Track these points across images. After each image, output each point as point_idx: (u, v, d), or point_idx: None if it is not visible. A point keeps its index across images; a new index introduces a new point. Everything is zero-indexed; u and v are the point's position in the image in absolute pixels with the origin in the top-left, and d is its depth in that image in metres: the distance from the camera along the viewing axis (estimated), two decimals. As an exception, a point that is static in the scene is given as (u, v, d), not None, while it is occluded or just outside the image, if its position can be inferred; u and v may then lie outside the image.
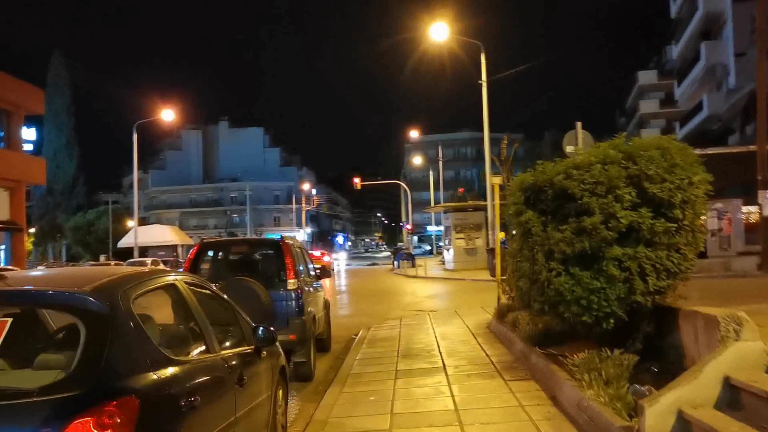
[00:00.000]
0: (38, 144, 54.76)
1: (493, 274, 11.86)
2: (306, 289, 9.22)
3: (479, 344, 9.93)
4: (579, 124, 11.44)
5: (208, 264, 9.23)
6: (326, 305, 11.24)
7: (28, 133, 50.39)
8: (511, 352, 9.00)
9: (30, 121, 45.09)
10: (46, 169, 64.06)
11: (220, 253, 9.45)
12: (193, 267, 8.70)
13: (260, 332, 5.02)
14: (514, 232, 8.24)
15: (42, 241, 53.55)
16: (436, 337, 11.11)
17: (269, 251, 9.30)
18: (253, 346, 4.96)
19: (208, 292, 4.85)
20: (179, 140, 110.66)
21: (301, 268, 9.36)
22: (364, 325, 14.49)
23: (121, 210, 59.13)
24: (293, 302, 8.52)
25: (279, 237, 9.03)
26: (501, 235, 35.12)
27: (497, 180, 12.31)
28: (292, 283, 8.55)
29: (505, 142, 36.76)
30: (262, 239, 11.30)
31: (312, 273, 10.62)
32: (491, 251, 11.44)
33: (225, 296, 5.09)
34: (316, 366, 9.20)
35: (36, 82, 38.46)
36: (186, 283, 4.36)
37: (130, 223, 52.85)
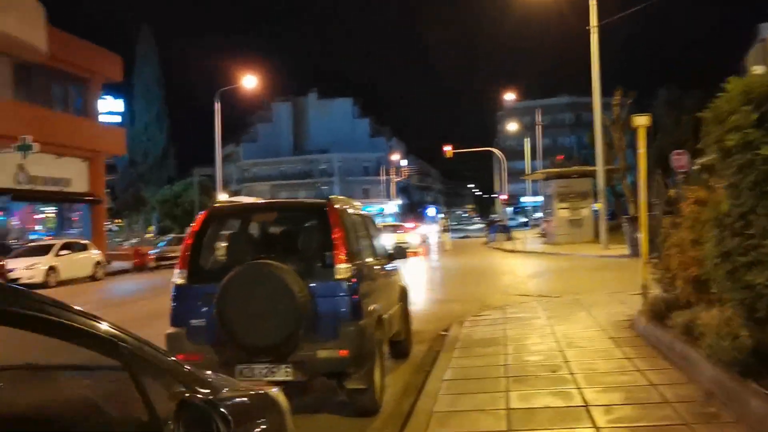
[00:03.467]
0: (126, 116, 54.35)
1: (635, 252, 8.35)
2: (368, 275, 6.20)
3: (630, 360, 6.60)
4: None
5: (220, 240, 6.33)
6: (403, 295, 8.19)
7: (116, 104, 49.95)
8: (691, 379, 5.65)
9: (118, 92, 44.30)
10: (138, 142, 64.53)
11: (237, 224, 6.52)
12: (197, 245, 5.83)
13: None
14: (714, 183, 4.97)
15: (128, 214, 53.33)
16: (557, 341, 7.85)
17: (309, 221, 6.30)
18: None
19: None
20: (270, 112, 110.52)
21: (360, 245, 6.33)
22: (456, 315, 11.39)
23: (208, 182, 58.22)
24: (345, 299, 5.51)
25: (325, 198, 6.00)
26: (598, 206, 31.20)
27: (644, 120, 8.75)
28: (343, 269, 5.53)
29: (618, 98, 32.31)
30: (298, 202, 8.23)
31: (382, 251, 7.60)
32: (631, 220, 8.22)
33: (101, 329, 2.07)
34: (384, 390, 6.18)
35: (125, 56, 37.45)
36: None
37: (223, 195, 51.98)
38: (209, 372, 2.84)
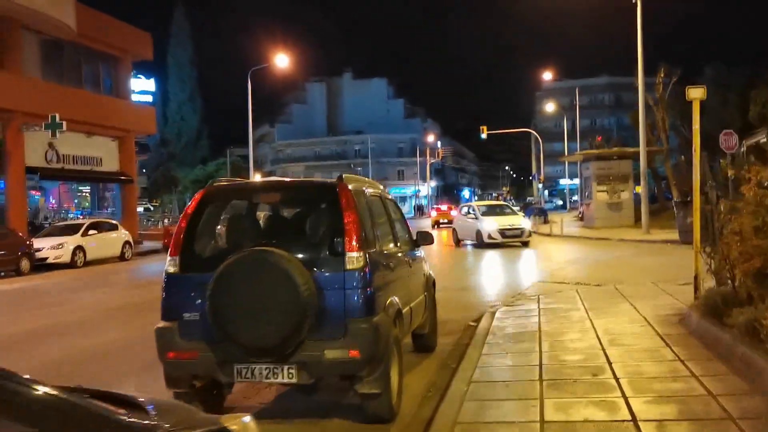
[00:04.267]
0: (159, 95, 54.37)
1: (685, 238, 7.54)
2: (385, 264, 5.52)
3: (683, 363, 5.82)
4: None
5: (218, 224, 5.68)
6: (429, 285, 7.49)
7: (148, 84, 50.02)
8: (756, 390, 4.87)
9: (152, 71, 44.19)
10: (171, 122, 64.71)
11: (238, 207, 5.87)
12: (191, 229, 5.19)
13: None
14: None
15: (158, 194, 53.47)
16: (598, 338, 7.08)
17: (318, 203, 5.61)
18: None
19: None
20: (304, 93, 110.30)
21: (378, 231, 5.65)
22: (488, 302, 10.70)
23: (241, 162, 58.13)
24: (356, 292, 4.85)
25: (337, 178, 5.32)
26: (638, 189, 29.87)
27: (699, 93, 7.87)
28: (354, 258, 4.86)
29: (662, 75, 30.96)
30: (306, 182, 7.38)
31: (404, 237, 6.91)
32: (683, 204, 7.34)
33: None
34: (402, 393, 5.50)
35: (159, 35, 37.13)
36: None
37: (256, 176, 52.16)
38: (167, 403, 2.21)
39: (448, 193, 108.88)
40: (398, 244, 6.37)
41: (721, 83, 37.64)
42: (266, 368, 4.80)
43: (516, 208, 30.92)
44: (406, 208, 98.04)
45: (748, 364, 5.23)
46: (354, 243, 4.87)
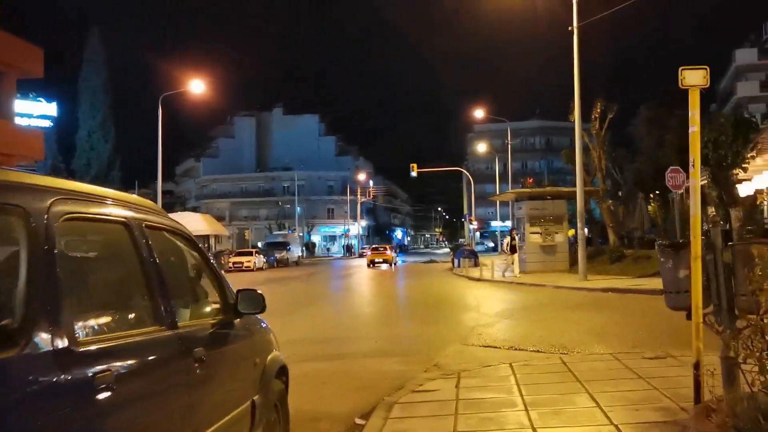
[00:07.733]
0: (58, 121, 50.21)
1: (676, 302, 4.58)
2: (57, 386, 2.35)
3: None
4: None
5: None
6: (266, 378, 4.34)
7: (48, 108, 45.97)
8: None
9: (63, 95, 40.17)
10: (81, 151, 59.93)
11: None
12: None
13: None
14: None
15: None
16: (550, 477, 4.09)
17: None
18: None
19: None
20: (232, 127, 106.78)
21: (70, 301, 2.47)
22: (390, 381, 7.63)
23: (154, 195, 53.85)
24: None
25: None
26: (571, 233, 27.54)
27: (698, 77, 5.20)
28: None
29: (599, 110, 29.15)
30: None
31: (212, 304, 3.83)
32: (673, 249, 4.65)
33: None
34: None
35: (72, 59, 33.35)
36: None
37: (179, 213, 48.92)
38: None
39: (380, 233, 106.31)
40: (171, 320, 3.22)
41: (657, 124, 36.40)
42: None
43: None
44: (336, 248, 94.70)
45: None
46: None
